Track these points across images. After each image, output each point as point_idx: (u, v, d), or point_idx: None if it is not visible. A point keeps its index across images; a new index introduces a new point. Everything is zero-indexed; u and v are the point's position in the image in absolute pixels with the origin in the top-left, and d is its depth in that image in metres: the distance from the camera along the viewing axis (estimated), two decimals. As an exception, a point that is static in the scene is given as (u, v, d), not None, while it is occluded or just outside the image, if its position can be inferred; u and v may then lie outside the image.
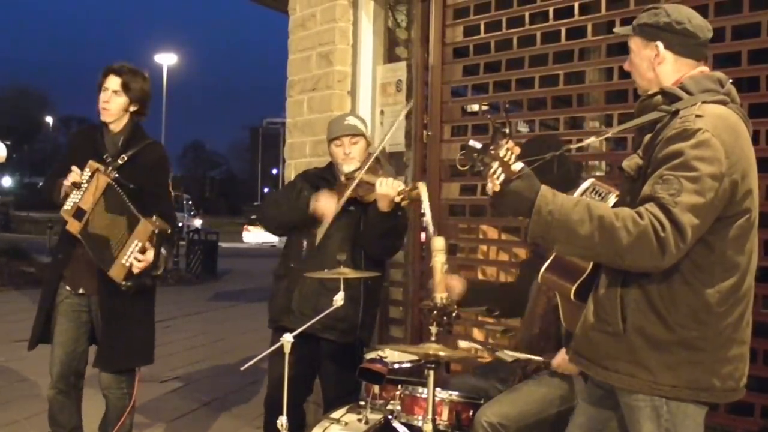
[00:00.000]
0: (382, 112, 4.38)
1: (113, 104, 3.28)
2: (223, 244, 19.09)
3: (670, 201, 1.84)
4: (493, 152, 1.95)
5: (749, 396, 2.11)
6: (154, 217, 3.18)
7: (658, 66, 2.07)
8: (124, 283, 3.16)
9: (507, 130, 1.97)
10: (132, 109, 3.33)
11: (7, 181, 55.30)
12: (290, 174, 4.55)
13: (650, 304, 1.95)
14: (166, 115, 33.15)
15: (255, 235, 31.66)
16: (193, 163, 72.34)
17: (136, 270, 3.15)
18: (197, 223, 28.68)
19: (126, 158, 3.26)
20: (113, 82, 3.28)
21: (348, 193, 3.15)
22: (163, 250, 3.24)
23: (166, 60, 35.12)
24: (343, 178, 3.28)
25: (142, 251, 3.14)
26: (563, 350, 2.72)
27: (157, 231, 3.16)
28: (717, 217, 1.91)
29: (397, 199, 3.04)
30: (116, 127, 3.33)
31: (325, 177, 3.41)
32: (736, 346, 1.97)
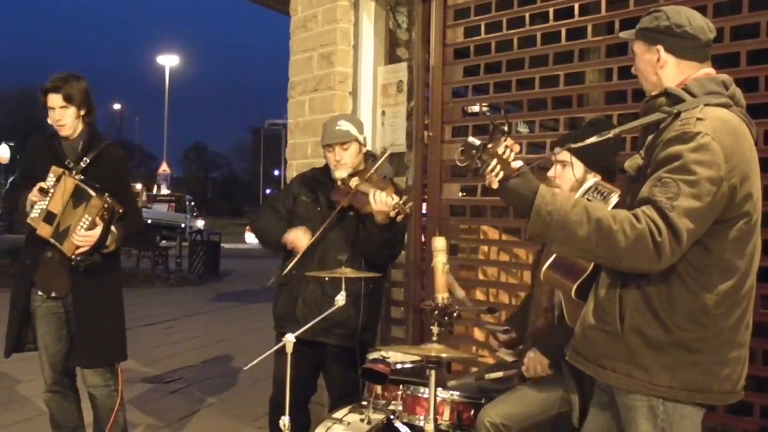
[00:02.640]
0: (383, 113, 4.39)
1: (66, 119, 3.32)
2: (225, 245, 19.09)
3: (668, 205, 1.85)
4: (491, 150, 1.96)
5: (748, 396, 2.11)
6: (106, 195, 3.23)
7: (660, 70, 2.08)
8: (73, 257, 3.21)
9: (505, 128, 1.98)
10: (82, 113, 3.36)
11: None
12: (292, 175, 4.56)
13: (649, 305, 1.96)
14: (168, 116, 33.21)
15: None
16: (196, 164, 72.30)
17: (79, 243, 3.20)
18: (200, 224, 28.64)
19: (88, 161, 3.31)
20: (55, 99, 3.30)
21: (338, 209, 3.20)
22: (113, 229, 3.27)
23: (169, 61, 35.16)
24: (339, 183, 3.30)
25: (91, 226, 3.20)
26: (530, 354, 2.74)
27: (106, 205, 3.21)
28: (716, 221, 1.91)
29: (392, 214, 3.04)
30: (72, 134, 3.37)
31: (323, 180, 3.42)
32: (734, 349, 1.97)
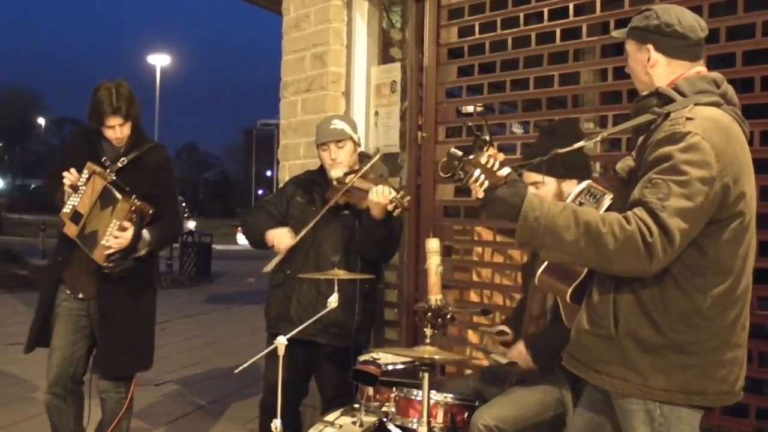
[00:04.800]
0: (376, 113, 4.37)
1: (125, 134, 3.26)
2: (217, 246, 19.04)
3: (658, 205, 1.83)
4: (473, 160, 1.95)
5: (744, 397, 2.09)
6: (134, 197, 3.17)
7: (651, 69, 2.07)
8: (105, 264, 3.15)
9: (487, 137, 1.96)
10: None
11: None
12: (284, 176, 4.54)
13: (642, 308, 1.94)
14: (160, 116, 33.10)
15: (249, 237, 31.55)
16: (188, 164, 72.08)
17: (113, 246, 3.13)
18: (191, 225, 28.57)
19: (126, 161, 3.25)
20: (116, 120, 3.21)
21: (332, 203, 3.17)
22: (146, 233, 3.21)
23: (159, 61, 35.02)
24: (334, 182, 3.28)
25: (121, 230, 3.14)
26: (518, 347, 2.73)
27: (133, 208, 3.14)
28: (709, 221, 1.90)
29: (390, 207, 3.02)
30: None
31: (317, 181, 3.41)
32: (730, 350, 1.96)
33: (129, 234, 3.14)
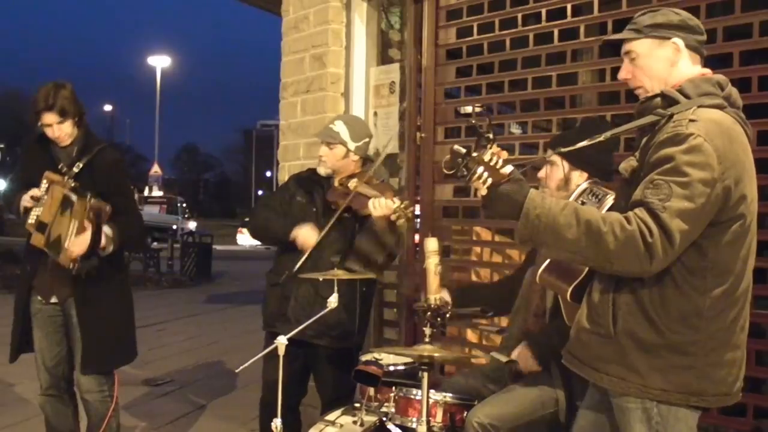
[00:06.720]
0: (375, 114, 4.38)
1: (64, 132, 3.25)
2: (217, 247, 19.06)
3: (659, 206, 1.84)
4: (477, 157, 1.96)
5: (742, 396, 2.10)
6: (89, 196, 3.16)
7: (677, 63, 2.04)
8: (72, 266, 3.16)
9: (490, 135, 1.97)
10: (76, 120, 3.28)
11: (0, 185, 55.02)
12: (284, 177, 4.55)
13: (641, 307, 1.95)
14: (160, 117, 33.11)
15: (249, 238, 31.66)
16: (187, 165, 72.07)
17: (75, 251, 3.13)
18: (191, 225, 28.63)
19: (81, 166, 3.25)
20: (50, 117, 3.20)
21: (341, 211, 3.18)
22: (107, 229, 3.21)
23: (160, 62, 35.05)
24: (336, 183, 3.28)
25: (80, 230, 3.14)
26: (519, 348, 2.75)
27: (89, 206, 3.14)
28: (710, 223, 1.90)
29: (393, 217, 3.02)
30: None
31: (319, 181, 3.40)
32: (729, 351, 1.96)
33: (88, 235, 3.15)
